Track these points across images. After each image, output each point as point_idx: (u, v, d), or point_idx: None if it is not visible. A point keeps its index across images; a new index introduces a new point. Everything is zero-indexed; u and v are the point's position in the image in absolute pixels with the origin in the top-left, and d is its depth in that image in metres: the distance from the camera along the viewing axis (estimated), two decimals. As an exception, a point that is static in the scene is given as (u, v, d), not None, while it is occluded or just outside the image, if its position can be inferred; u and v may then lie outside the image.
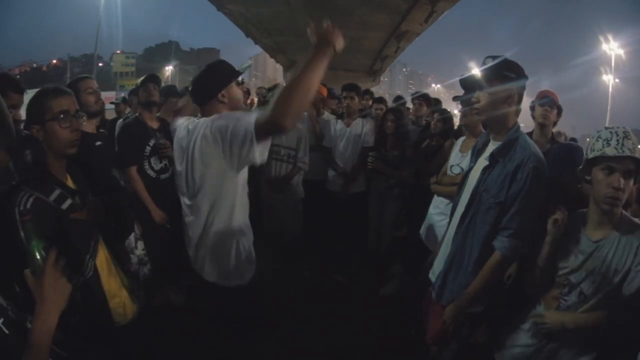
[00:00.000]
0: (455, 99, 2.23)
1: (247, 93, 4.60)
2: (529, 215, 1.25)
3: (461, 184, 1.53)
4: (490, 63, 1.32)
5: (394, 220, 2.95)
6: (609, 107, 27.70)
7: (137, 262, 1.74)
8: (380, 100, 3.72)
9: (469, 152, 1.66)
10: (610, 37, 27.25)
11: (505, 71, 1.28)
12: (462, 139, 2.17)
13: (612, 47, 27.03)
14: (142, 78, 2.39)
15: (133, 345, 1.38)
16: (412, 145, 2.82)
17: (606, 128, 1.13)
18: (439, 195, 2.19)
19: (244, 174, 1.34)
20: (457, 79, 1.47)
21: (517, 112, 1.35)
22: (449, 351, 1.56)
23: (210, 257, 1.37)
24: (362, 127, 2.97)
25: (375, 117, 3.32)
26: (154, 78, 2.38)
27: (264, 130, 1.11)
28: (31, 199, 1.07)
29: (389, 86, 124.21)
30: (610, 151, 1.08)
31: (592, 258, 1.14)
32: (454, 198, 1.61)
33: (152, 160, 2.27)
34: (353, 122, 2.99)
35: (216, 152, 1.21)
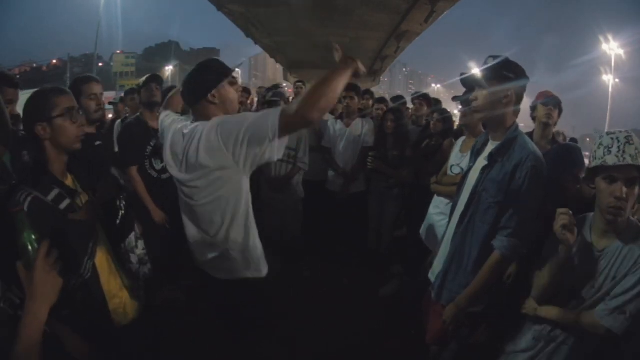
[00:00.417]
0: (454, 99, 2.24)
1: (248, 93, 4.59)
2: (528, 215, 1.25)
3: (461, 184, 1.53)
4: (491, 63, 1.32)
5: (394, 220, 2.96)
6: (609, 107, 27.74)
7: (138, 261, 1.74)
8: (382, 100, 3.72)
9: (469, 152, 1.67)
10: (610, 37, 27.31)
11: (505, 71, 1.28)
12: (462, 139, 2.18)
13: (612, 47, 27.06)
14: (144, 78, 2.38)
15: (134, 345, 1.38)
16: (412, 145, 2.83)
17: (608, 134, 1.09)
18: (439, 195, 2.19)
19: (247, 180, 1.30)
20: (457, 78, 1.47)
21: (516, 112, 1.35)
22: (449, 351, 1.56)
23: (227, 254, 1.33)
24: (362, 127, 2.97)
25: (376, 117, 3.32)
26: (156, 78, 2.38)
27: (290, 124, 1.12)
28: (29, 198, 1.07)
29: (389, 86, 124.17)
30: (610, 160, 1.04)
31: (595, 267, 1.11)
32: (453, 198, 1.61)
33: (153, 160, 2.27)
34: (352, 122, 2.99)
35: (224, 157, 1.17)
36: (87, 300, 1.18)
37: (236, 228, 1.29)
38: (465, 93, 1.99)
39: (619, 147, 1.04)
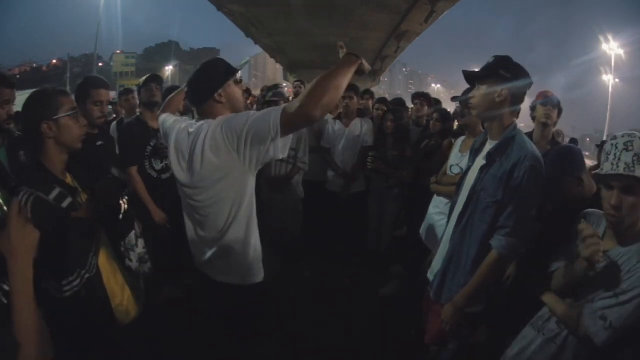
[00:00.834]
0: (453, 99, 2.24)
1: (248, 93, 4.59)
2: (526, 214, 1.25)
3: (459, 184, 1.54)
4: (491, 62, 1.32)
5: (394, 220, 2.96)
6: (609, 107, 27.74)
7: (138, 260, 1.74)
8: (382, 100, 3.72)
9: (468, 152, 1.67)
10: (610, 37, 27.32)
11: (502, 71, 1.28)
12: (461, 138, 2.18)
13: (612, 47, 27.08)
14: (144, 78, 2.38)
15: (135, 344, 1.38)
16: (412, 145, 2.83)
17: (612, 139, 1.07)
18: (438, 195, 2.19)
19: (254, 178, 1.29)
20: (457, 79, 1.47)
21: (515, 112, 1.35)
22: (448, 351, 1.57)
23: (227, 257, 1.32)
24: (361, 127, 2.97)
25: (377, 117, 3.32)
26: (156, 78, 2.38)
27: (292, 122, 1.09)
28: (31, 198, 1.07)
29: (389, 86, 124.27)
30: (606, 167, 1.03)
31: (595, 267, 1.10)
32: (453, 198, 1.61)
33: (153, 160, 2.27)
34: (352, 122, 2.99)
35: (229, 156, 1.17)
36: (91, 299, 1.18)
37: (238, 228, 1.28)
38: (464, 93, 2.00)
39: (615, 154, 1.03)
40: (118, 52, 58.00)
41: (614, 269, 1.05)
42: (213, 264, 1.36)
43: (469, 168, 1.51)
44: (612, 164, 1.02)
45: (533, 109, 2.20)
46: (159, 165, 2.29)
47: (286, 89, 4.50)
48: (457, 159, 2.11)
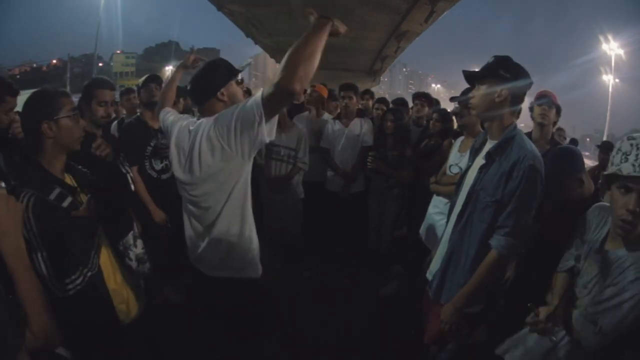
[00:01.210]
0: (452, 99, 2.23)
1: (249, 92, 4.59)
2: (525, 214, 1.25)
3: (459, 183, 1.54)
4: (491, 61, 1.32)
5: (394, 220, 2.96)
6: (609, 107, 27.73)
7: (136, 260, 1.74)
8: (382, 100, 3.72)
9: (468, 152, 1.67)
10: (610, 37, 27.32)
11: (502, 71, 1.28)
12: (460, 138, 2.18)
13: (612, 47, 27.08)
14: (143, 78, 2.39)
15: (135, 344, 1.38)
16: (412, 145, 2.83)
17: (628, 138, 0.98)
18: (438, 194, 2.19)
19: (250, 165, 1.31)
20: (457, 79, 1.47)
21: (515, 112, 1.35)
22: (447, 351, 1.57)
23: (221, 248, 1.34)
24: (361, 127, 2.97)
25: (376, 117, 3.31)
26: (155, 78, 2.38)
27: (274, 101, 1.07)
28: (32, 199, 1.07)
29: (389, 86, 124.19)
30: (626, 168, 0.93)
31: (595, 264, 1.09)
32: (452, 197, 1.61)
33: (153, 160, 2.27)
34: (351, 122, 2.99)
35: (224, 152, 1.18)
36: (94, 297, 1.19)
37: (231, 219, 1.30)
38: (462, 93, 2.00)
39: (637, 155, 0.93)
40: (118, 52, 58.01)
41: (610, 272, 1.03)
42: (207, 258, 1.38)
43: (468, 168, 1.51)
44: (634, 165, 0.93)
45: (532, 109, 2.20)
46: (159, 166, 2.29)
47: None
48: (456, 158, 2.11)
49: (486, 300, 1.39)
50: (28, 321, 0.80)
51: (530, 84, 1.32)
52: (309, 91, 3.30)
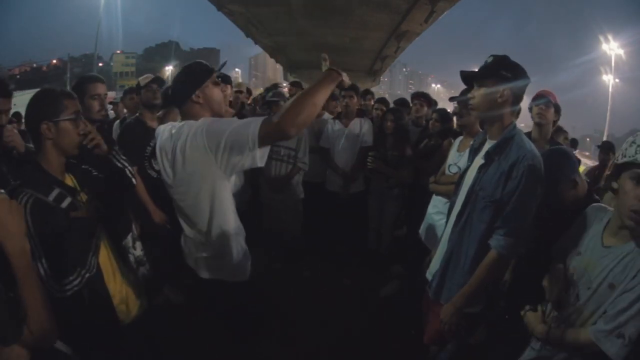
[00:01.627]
0: (452, 99, 2.23)
1: (249, 92, 4.59)
2: (524, 213, 1.25)
3: (458, 183, 1.53)
4: (490, 62, 1.32)
5: (394, 220, 2.96)
6: (609, 107, 27.71)
7: (135, 262, 1.75)
8: (382, 100, 3.72)
9: (467, 151, 1.67)
10: (610, 37, 27.24)
11: (502, 70, 1.28)
12: (460, 138, 2.18)
13: (612, 47, 27.01)
14: (142, 78, 2.38)
15: (135, 344, 1.38)
16: (412, 145, 2.83)
17: None
18: (437, 194, 2.19)
19: (228, 182, 1.34)
20: (457, 79, 1.47)
21: (515, 112, 1.35)
22: (447, 351, 1.57)
23: (214, 255, 1.38)
24: (361, 127, 2.97)
25: (376, 117, 3.32)
26: (157, 79, 2.38)
27: (269, 136, 1.14)
28: (31, 200, 1.07)
29: (389, 86, 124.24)
30: None
31: (595, 263, 1.08)
32: (451, 197, 1.61)
33: (153, 160, 2.27)
34: (351, 122, 2.99)
35: (207, 158, 1.20)
36: (93, 298, 1.19)
37: (218, 224, 1.33)
38: (461, 93, 1.99)
39: None
40: (118, 52, 58.05)
41: (619, 267, 1.02)
42: (199, 261, 1.42)
43: (467, 167, 1.50)
44: None
45: (531, 109, 2.19)
46: (158, 166, 2.29)
47: (286, 88, 4.50)
48: (455, 158, 2.11)
49: (486, 301, 1.39)
50: (27, 319, 0.81)
51: (529, 82, 1.32)
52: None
